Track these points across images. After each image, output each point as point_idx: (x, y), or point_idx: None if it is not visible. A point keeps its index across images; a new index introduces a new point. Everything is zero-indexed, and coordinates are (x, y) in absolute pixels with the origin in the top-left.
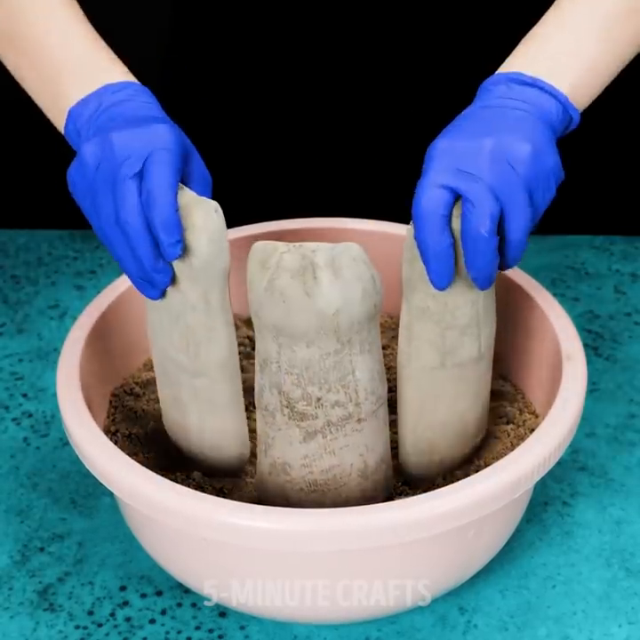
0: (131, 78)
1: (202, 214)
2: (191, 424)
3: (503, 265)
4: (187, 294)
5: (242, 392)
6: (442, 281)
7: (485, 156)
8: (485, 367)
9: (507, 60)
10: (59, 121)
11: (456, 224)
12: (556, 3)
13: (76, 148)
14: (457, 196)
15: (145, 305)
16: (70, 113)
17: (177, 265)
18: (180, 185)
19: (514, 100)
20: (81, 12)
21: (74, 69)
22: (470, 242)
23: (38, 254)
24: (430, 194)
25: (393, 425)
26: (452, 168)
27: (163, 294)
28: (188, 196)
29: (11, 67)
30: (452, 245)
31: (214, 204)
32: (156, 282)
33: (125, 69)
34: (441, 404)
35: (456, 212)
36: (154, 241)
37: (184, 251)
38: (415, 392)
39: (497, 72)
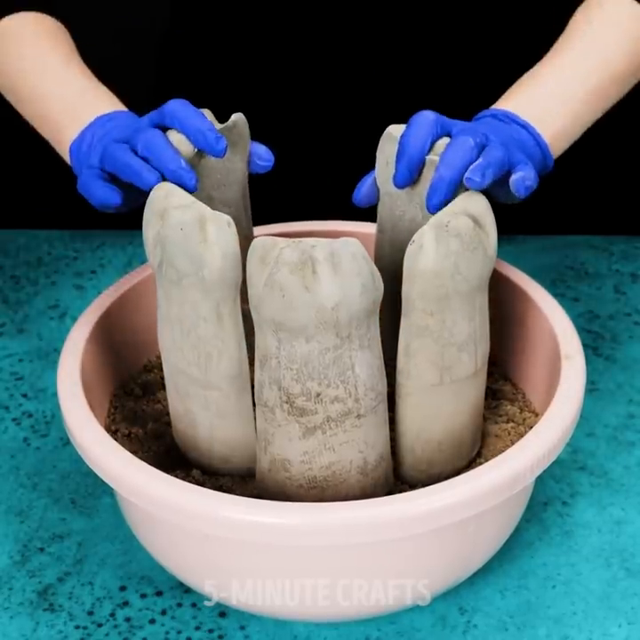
0: (120, 107)
1: (215, 228)
2: (201, 435)
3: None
4: (198, 306)
5: (252, 404)
6: (404, 178)
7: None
8: (481, 382)
9: (502, 98)
10: (65, 156)
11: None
12: (555, 47)
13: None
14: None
15: (144, 309)
16: (71, 150)
17: (189, 278)
18: (195, 199)
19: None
20: (70, 51)
21: (68, 109)
22: (458, 143)
23: (38, 254)
24: (427, 113)
25: (391, 422)
26: (446, 119)
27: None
28: (201, 211)
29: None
30: (425, 151)
31: (227, 218)
32: (186, 179)
33: (116, 100)
34: (440, 421)
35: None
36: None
37: (197, 263)
38: (415, 410)
39: (492, 107)
